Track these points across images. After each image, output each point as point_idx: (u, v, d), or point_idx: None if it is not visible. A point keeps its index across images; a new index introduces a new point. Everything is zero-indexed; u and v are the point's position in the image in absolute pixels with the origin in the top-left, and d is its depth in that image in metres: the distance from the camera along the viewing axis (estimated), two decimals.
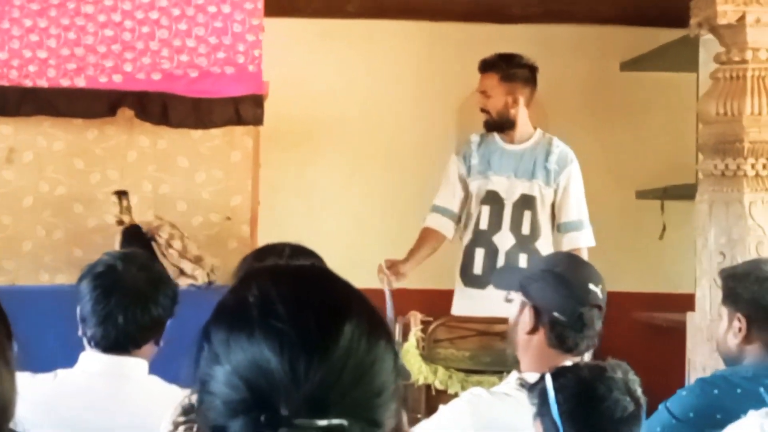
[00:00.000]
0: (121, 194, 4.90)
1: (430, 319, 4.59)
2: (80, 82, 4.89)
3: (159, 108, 4.94)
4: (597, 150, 6.53)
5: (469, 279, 5.10)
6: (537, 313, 2.79)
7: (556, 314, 2.76)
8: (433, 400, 4.21)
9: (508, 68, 5.11)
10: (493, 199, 5.11)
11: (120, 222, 4.84)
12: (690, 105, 5.47)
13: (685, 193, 5.26)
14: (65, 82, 4.89)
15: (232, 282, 2.48)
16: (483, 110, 5.15)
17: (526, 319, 2.81)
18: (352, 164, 6.54)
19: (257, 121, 5.01)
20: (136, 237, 4.74)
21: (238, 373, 1.20)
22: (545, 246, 5.08)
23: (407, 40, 6.57)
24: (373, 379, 1.22)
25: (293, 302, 1.22)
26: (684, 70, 5.95)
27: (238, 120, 4.98)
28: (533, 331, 2.79)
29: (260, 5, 5.00)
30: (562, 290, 2.78)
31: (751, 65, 4.14)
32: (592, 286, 2.79)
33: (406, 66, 6.56)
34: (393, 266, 4.86)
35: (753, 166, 4.14)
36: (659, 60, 6.24)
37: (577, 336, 2.76)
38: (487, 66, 5.15)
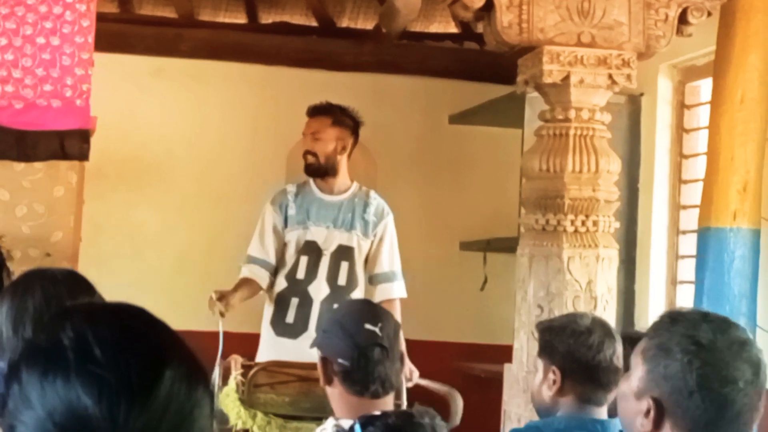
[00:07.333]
0: None
1: (251, 363, 4.56)
2: None
3: None
4: (423, 200, 6.62)
5: (281, 328, 5.06)
6: (328, 363, 2.87)
7: (340, 360, 2.84)
8: None
9: (341, 114, 5.15)
10: (311, 249, 5.10)
11: None
12: (515, 160, 5.59)
13: (507, 246, 5.36)
14: None
15: None
16: (309, 153, 5.15)
17: (322, 371, 2.89)
18: (179, 204, 6.47)
19: (83, 156, 4.92)
20: None
21: (53, 419, 1.16)
22: (360, 296, 5.09)
23: (240, 81, 6.56)
24: (192, 425, 1.21)
25: (112, 346, 1.19)
26: (510, 126, 6.08)
27: (63, 154, 4.88)
28: (329, 381, 2.88)
29: (91, 39, 4.92)
30: (340, 336, 2.87)
31: (574, 124, 4.24)
32: (368, 326, 2.86)
33: (238, 107, 6.55)
34: (223, 297, 4.77)
35: (572, 222, 4.23)
36: (487, 115, 6.37)
37: (366, 377, 2.82)
38: (318, 110, 5.17)
